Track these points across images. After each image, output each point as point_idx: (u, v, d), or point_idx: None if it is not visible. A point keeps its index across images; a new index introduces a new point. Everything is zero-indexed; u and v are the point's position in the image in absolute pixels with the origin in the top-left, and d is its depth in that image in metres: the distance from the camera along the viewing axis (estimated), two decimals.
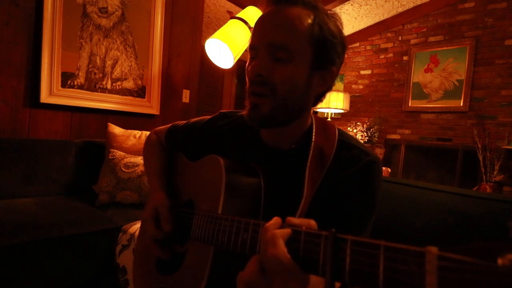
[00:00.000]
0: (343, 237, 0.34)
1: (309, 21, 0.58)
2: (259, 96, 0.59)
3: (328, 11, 0.62)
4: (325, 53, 0.59)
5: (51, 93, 1.92)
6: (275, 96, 0.58)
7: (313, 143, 0.63)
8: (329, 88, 0.65)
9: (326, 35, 0.58)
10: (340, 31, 0.62)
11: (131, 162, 1.78)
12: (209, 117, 0.82)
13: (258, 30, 0.60)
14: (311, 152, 0.62)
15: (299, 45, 0.57)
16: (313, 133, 0.65)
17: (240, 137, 0.72)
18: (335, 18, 0.62)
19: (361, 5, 3.90)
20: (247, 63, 0.62)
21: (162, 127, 0.93)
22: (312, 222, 0.42)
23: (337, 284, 0.35)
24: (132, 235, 1.39)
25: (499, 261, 0.22)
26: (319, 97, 0.66)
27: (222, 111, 0.81)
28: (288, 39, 0.56)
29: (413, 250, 0.28)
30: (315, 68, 0.59)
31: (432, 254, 0.26)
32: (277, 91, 0.58)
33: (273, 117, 0.59)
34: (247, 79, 0.61)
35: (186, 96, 2.75)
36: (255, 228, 0.45)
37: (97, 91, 2.13)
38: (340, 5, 3.74)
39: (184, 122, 0.88)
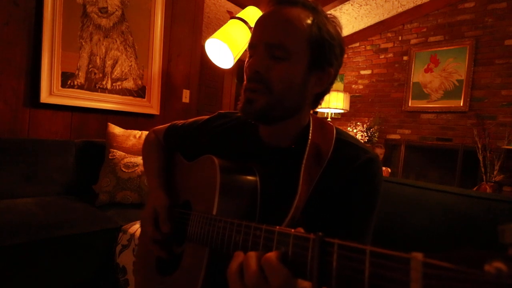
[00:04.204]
0: (330, 241, 0.34)
1: (308, 21, 0.58)
2: (254, 92, 0.59)
3: (328, 15, 0.63)
4: (323, 54, 0.60)
5: (51, 93, 1.92)
6: (271, 94, 0.58)
7: (309, 140, 0.63)
8: (326, 90, 0.65)
9: (325, 36, 0.59)
10: (338, 34, 0.62)
11: (131, 162, 1.78)
12: (208, 116, 0.82)
13: (258, 29, 0.61)
14: (307, 149, 0.62)
15: (297, 45, 0.58)
16: (310, 131, 0.65)
17: (238, 136, 0.72)
18: (334, 22, 0.63)
19: (361, 5, 3.90)
20: (246, 61, 0.62)
21: (160, 126, 0.93)
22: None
23: None
24: (132, 235, 1.39)
25: (486, 268, 0.22)
26: (317, 98, 0.66)
27: (220, 111, 0.81)
28: (286, 38, 0.57)
29: (398, 256, 0.28)
30: (312, 68, 0.60)
31: (417, 261, 0.26)
32: (273, 89, 0.58)
33: (267, 113, 0.60)
34: (245, 76, 0.62)
35: (186, 96, 2.75)
36: (247, 231, 0.45)
37: (97, 91, 2.13)
38: (340, 5, 3.74)
39: (183, 121, 0.87)
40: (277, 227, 0.41)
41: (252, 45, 0.61)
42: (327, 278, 0.33)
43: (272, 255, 0.38)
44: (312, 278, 0.34)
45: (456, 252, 0.24)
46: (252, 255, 0.41)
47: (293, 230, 0.39)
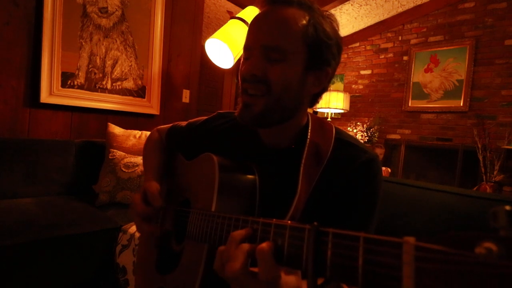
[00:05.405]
0: (325, 230, 0.34)
1: (304, 22, 0.57)
2: (252, 96, 0.59)
3: (324, 12, 0.62)
4: (320, 54, 0.59)
5: (51, 93, 1.92)
6: (270, 95, 0.58)
7: (308, 140, 0.63)
8: (324, 89, 0.65)
9: (321, 36, 0.58)
10: (335, 32, 0.61)
11: (131, 162, 1.78)
12: (207, 117, 0.82)
13: (253, 31, 0.60)
14: (306, 149, 0.62)
15: (293, 46, 0.57)
16: (309, 131, 0.65)
17: (237, 136, 0.72)
18: (331, 19, 0.62)
19: (361, 5, 3.90)
20: (241, 63, 0.62)
21: (164, 126, 0.94)
22: None
23: (320, 281, 0.35)
24: (132, 235, 1.40)
25: (476, 249, 0.22)
26: (315, 98, 0.66)
27: (219, 111, 0.81)
28: (282, 40, 0.57)
29: (391, 241, 0.28)
30: (309, 68, 0.59)
31: (409, 245, 0.26)
32: (272, 89, 0.58)
33: (265, 116, 0.59)
34: (239, 79, 0.61)
35: (186, 96, 2.75)
36: (244, 225, 0.45)
37: (97, 91, 2.13)
38: (340, 5, 3.74)
39: (185, 122, 0.88)
40: (274, 219, 0.42)
41: (247, 47, 0.61)
42: (323, 268, 0.33)
43: (264, 245, 0.39)
44: (307, 269, 0.35)
45: (448, 234, 0.25)
46: (245, 246, 0.41)
47: (289, 222, 0.40)
